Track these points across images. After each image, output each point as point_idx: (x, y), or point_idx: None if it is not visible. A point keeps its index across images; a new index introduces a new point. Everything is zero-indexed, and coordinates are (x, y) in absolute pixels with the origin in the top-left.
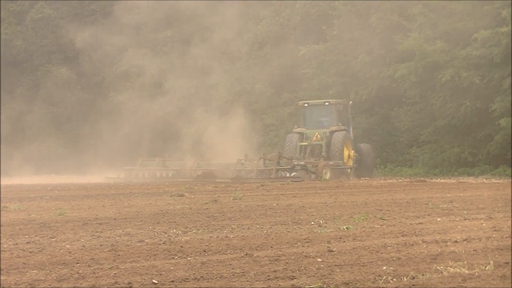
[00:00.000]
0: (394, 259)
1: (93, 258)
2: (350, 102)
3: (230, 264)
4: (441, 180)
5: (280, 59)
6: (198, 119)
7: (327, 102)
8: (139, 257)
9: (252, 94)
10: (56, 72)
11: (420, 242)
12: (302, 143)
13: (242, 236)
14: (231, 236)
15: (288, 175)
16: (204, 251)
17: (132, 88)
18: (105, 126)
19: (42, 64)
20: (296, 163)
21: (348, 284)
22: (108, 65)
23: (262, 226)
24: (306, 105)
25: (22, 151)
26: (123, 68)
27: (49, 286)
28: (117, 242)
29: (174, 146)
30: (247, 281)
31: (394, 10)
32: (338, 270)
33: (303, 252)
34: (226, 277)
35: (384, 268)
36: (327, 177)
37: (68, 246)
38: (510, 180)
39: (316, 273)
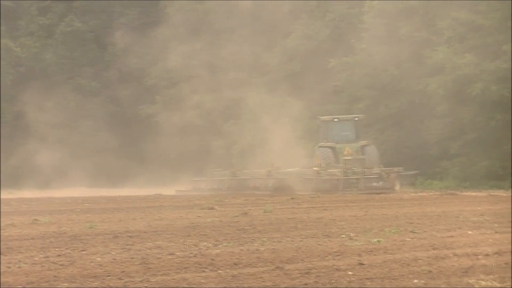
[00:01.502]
0: (425, 272)
1: (123, 271)
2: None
3: (261, 277)
4: (471, 193)
5: (309, 72)
6: (227, 132)
7: (356, 117)
8: (170, 270)
9: (282, 107)
10: (86, 85)
11: (451, 255)
12: (346, 157)
13: (273, 249)
14: (262, 249)
15: (375, 184)
16: (235, 264)
17: (162, 102)
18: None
19: (72, 77)
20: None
21: None
22: (137, 78)
23: (292, 239)
24: (336, 120)
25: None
26: (152, 81)
27: None
28: (148, 255)
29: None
30: None
31: (424, 23)
32: (369, 283)
33: (333, 265)
34: None
35: (415, 281)
36: (397, 188)
37: (98, 259)
38: None
39: (347, 287)
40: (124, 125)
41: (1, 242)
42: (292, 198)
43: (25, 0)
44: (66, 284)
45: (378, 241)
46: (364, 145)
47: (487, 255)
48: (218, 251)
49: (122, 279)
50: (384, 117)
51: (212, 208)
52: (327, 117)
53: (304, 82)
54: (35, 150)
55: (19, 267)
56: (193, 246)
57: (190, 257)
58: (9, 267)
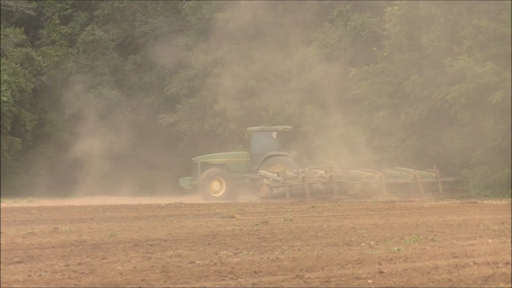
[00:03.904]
0: (445, 280)
1: (144, 279)
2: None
3: (281, 286)
4: (492, 202)
5: (330, 81)
6: (248, 140)
7: (287, 128)
8: (190, 278)
9: (303, 116)
10: (107, 94)
11: (471, 263)
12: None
13: (293, 257)
14: (282, 257)
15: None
16: (255, 272)
17: (183, 110)
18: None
19: (94, 86)
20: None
21: None
22: (158, 87)
23: (313, 248)
24: (287, 129)
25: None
26: (173, 90)
27: None
28: (168, 263)
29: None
30: None
31: (445, 32)
32: None
33: (354, 273)
34: None
35: None
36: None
37: (119, 267)
38: None
39: None
40: (145, 134)
41: (22, 251)
42: (313, 207)
43: (47, 9)
44: None
45: (398, 249)
46: (297, 155)
47: (507, 263)
48: (238, 259)
49: None
50: (405, 126)
51: (233, 217)
52: (262, 127)
53: (324, 90)
54: (56, 159)
55: (39, 276)
56: (213, 255)
57: (210, 265)
58: (30, 276)
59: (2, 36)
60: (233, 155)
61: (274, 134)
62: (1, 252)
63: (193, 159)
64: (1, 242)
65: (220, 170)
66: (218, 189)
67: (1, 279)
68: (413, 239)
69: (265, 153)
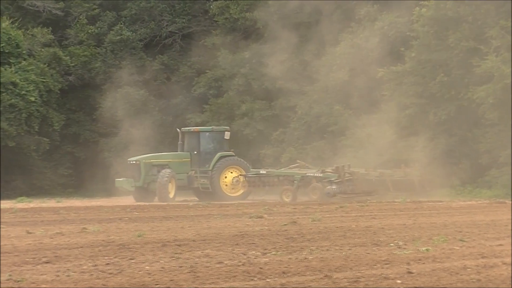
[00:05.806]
0: (474, 280)
1: (172, 280)
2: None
3: (309, 286)
4: None
5: (358, 81)
6: (276, 140)
7: (227, 128)
8: (218, 278)
9: (330, 116)
10: (135, 94)
11: (500, 264)
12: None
13: (321, 257)
14: (310, 257)
15: None
16: (283, 272)
17: (210, 111)
18: None
19: (121, 86)
20: None
21: None
22: (186, 87)
23: (341, 248)
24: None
25: None
26: (201, 90)
27: None
28: (196, 263)
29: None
30: None
31: (472, 31)
32: None
33: (382, 273)
34: None
35: None
36: None
37: (147, 267)
38: None
39: None
40: (172, 134)
41: (50, 251)
42: (341, 207)
43: (74, 9)
44: None
45: (426, 249)
46: None
47: None
48: (266, 259)
49: None
50: (432, 125)
51: (261, 217)
52: (212, 127)
53: (352, 90)
54: (83, 159)
55: (68, 276)
56: (241, 255)
57: (238, 265)
58: (58, 276)
59: (29, 36)
60: (173, 155)
61: (227, 134)
62: (30, 252)
63: (131, 159)
64: (30, 242)
65: (173, 172)
66: (170, 190)
67: (29, 279)
68: (441, 239)
69: (216, 153)
